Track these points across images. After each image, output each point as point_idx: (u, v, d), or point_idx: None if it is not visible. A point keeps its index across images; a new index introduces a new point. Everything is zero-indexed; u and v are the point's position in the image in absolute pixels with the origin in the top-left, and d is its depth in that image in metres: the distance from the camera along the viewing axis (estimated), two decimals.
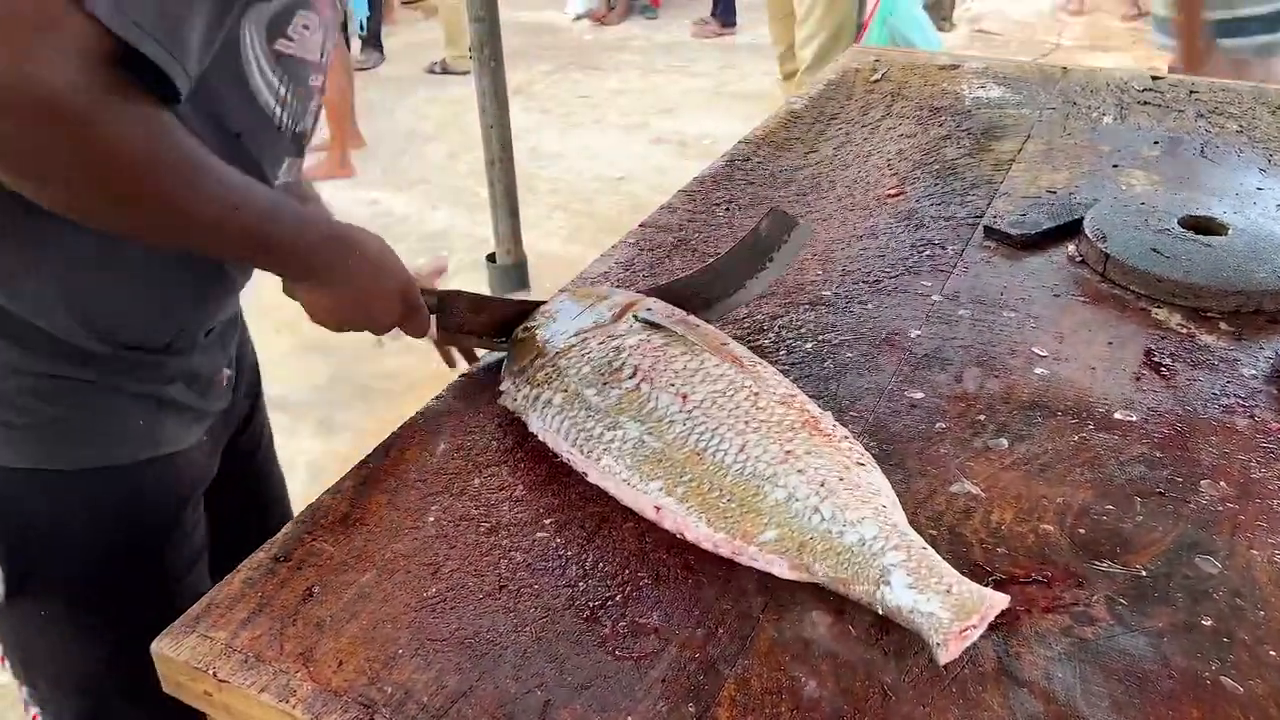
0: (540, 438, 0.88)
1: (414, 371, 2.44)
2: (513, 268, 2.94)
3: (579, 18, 6.73)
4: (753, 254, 1.03)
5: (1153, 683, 0.67)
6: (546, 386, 0.88)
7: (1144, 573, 0.76)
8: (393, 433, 0.92)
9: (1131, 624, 0.72)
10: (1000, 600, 0.69)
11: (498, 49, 2.17)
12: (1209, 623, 0.72)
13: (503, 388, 0.93)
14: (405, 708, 0.66)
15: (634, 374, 0.85)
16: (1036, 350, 1.02)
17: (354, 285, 0.88)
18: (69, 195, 0.71)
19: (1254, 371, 0.99)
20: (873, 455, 0.83)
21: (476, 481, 0.86)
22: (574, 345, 0.90)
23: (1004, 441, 0.89)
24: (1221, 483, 0.84)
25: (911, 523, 0.77)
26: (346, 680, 0.68)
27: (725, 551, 0.76)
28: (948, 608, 0.68)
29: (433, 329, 0.98)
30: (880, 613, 0.70)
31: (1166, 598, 0.74)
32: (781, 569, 0.74)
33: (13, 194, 0.71)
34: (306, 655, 0.70)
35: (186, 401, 0.94)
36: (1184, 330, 1.06)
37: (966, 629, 0.67)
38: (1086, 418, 0.92)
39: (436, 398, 0.97)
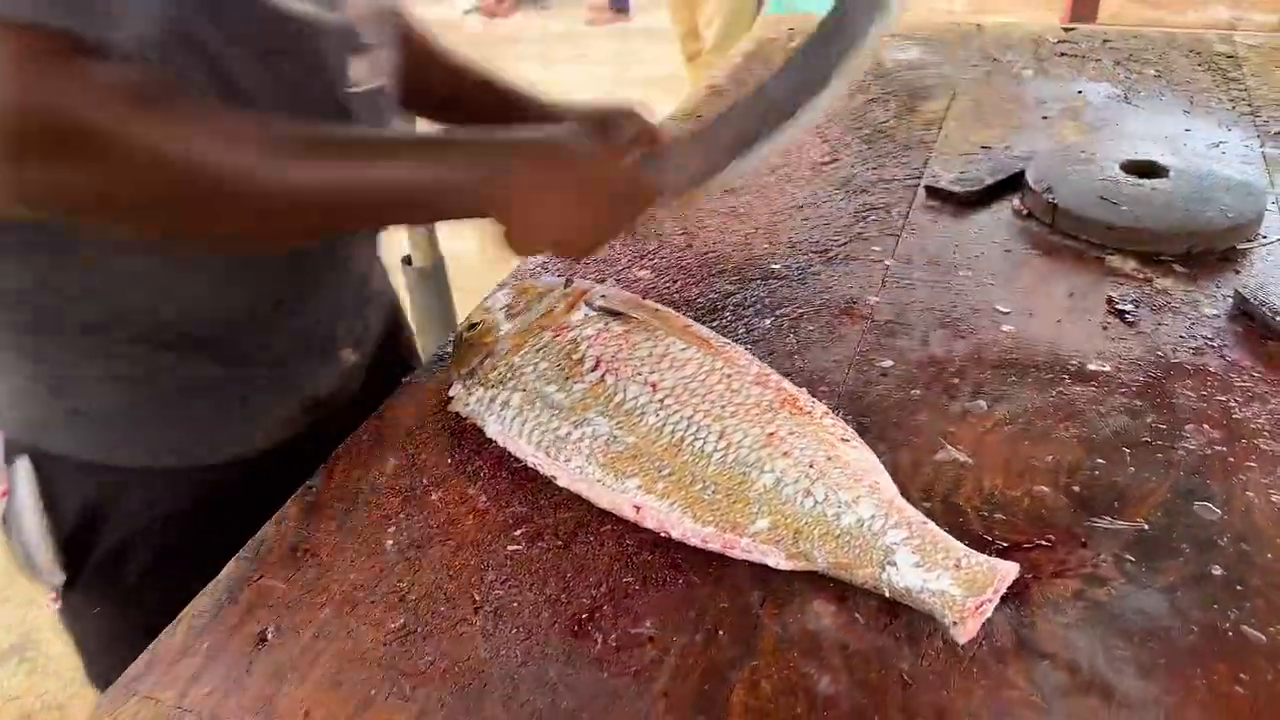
0: (500, 443, 0.81)
1: None
2: (430, 270, 2.85)
3: (469, 11, 6.60)
4: (826, 45, 0.77)
5: (1174, 640, 0.64)
6: (502, 387, 0.81)
7: (1146, 526, 0.73)
8: (334, 453, 0.85)
9: (1143, 581, 0.69)
10: (1011, 570, 0.66)
11: None
12: (1220, 572, 0.69)
13: (452, 393, 0.86)
14: None
15: (596, 365, 0.79)
16: (999, 307, 0.99)
17: (548, 193, 0.74)
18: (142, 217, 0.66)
19: (1216, 311, 0.97)
20: (852, 429, 0.79)
21: (434, 497, 0.79)
22: (527, 341, 0.84)
23: (982, 403, 0.86)
24: (1205, 426, 0.82)
25: (903, 497, 0.73)
26: None
27: (715, 546, 0.71)
28: (959, 584, 0.64)
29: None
30: (887, 595, 0.66)
31: (1173, 549, 0.71)
32: (778, 559, 0.69)
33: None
34: (268, 708, 0.63)
35: (279, 392, 0.87)
36: (1141, 275, 1.04)
37: (982, 604, 0.63)
38: (1061, 371, 0.89)
39: (378, 412, 0.90)
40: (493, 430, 0.81)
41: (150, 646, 0.68)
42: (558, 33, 6.14)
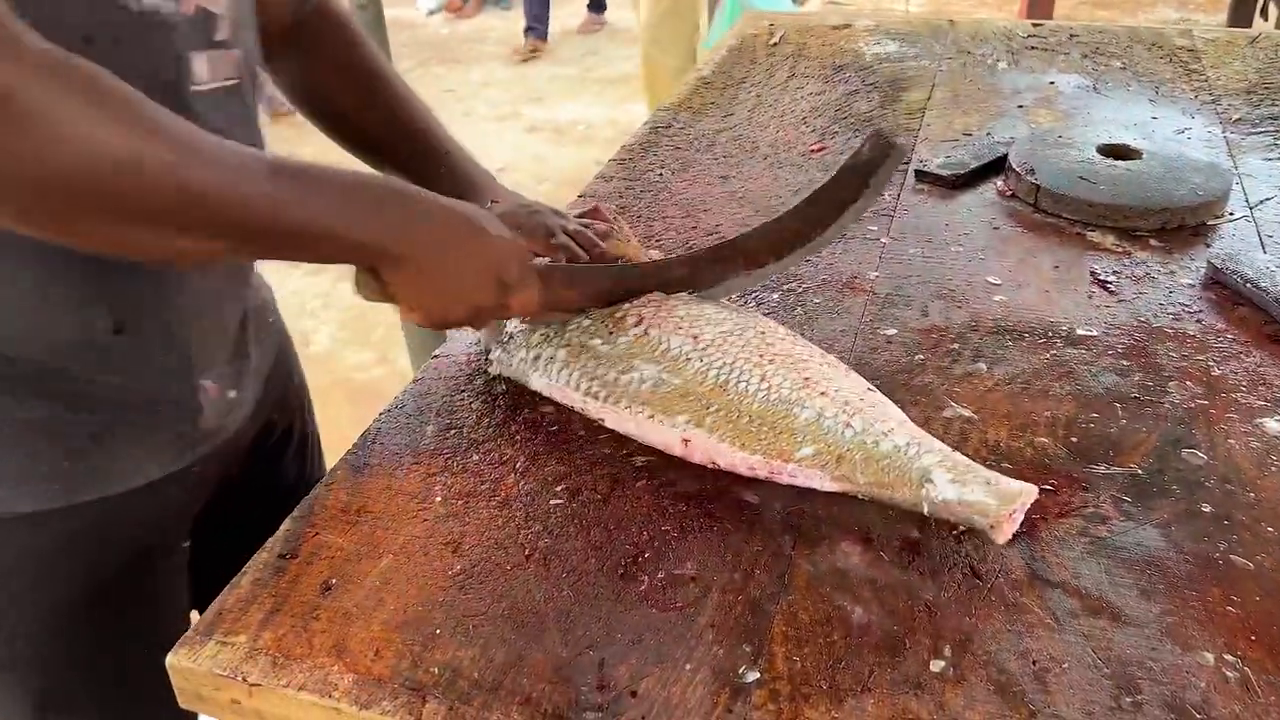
0: (546, 394, 0.86)
1: None
2: None
3: (432, 12, 6.61)
4: (853, 180, 0.94)
5: (1171, 568, 0.71)
6: (545, 345, 0.87)
7: (1139, 471, 0.79)
8: (375, 420, 0.89)
9: (1139, 518, 0.75)
10: (1033, 490, 0.73)
11: (383, 35, 2.13)
12: (1208, 509, 0.76)
13: (492, 356, 0.91)
14: (456, 685, 0.64)
15: (639, 321, 0.85)
16: (991, 279, 1.06)
17: (447, 260, 0.75)
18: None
19: (1191, 280, 1.05)
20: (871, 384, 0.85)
21: (475, 458, 0.84)
22: None
23: (982, 366, 0.92)
24: (1188, 382, 0.89)
25: None
26: (388, 667, 0.66)
27: (763, 473, 0.76)
28: (993, 495, 0.71)
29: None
30: (926, 512, 0.73)
31: (1165, 491, 0.78)
32: (823, 482, 0.75)
33: None
34: (340, 647, 0.67)
35: (137, 431, 0.81)
36: (1119, 249, 1.11)
37: (1014, 511, 0.71)
38: (1053, 336, 0.96)
39: (413, 382, 0.94)
40: (538, 384, 0.86)
41: (218, 599, 0.72)
42: (522, 32, 6.17)
